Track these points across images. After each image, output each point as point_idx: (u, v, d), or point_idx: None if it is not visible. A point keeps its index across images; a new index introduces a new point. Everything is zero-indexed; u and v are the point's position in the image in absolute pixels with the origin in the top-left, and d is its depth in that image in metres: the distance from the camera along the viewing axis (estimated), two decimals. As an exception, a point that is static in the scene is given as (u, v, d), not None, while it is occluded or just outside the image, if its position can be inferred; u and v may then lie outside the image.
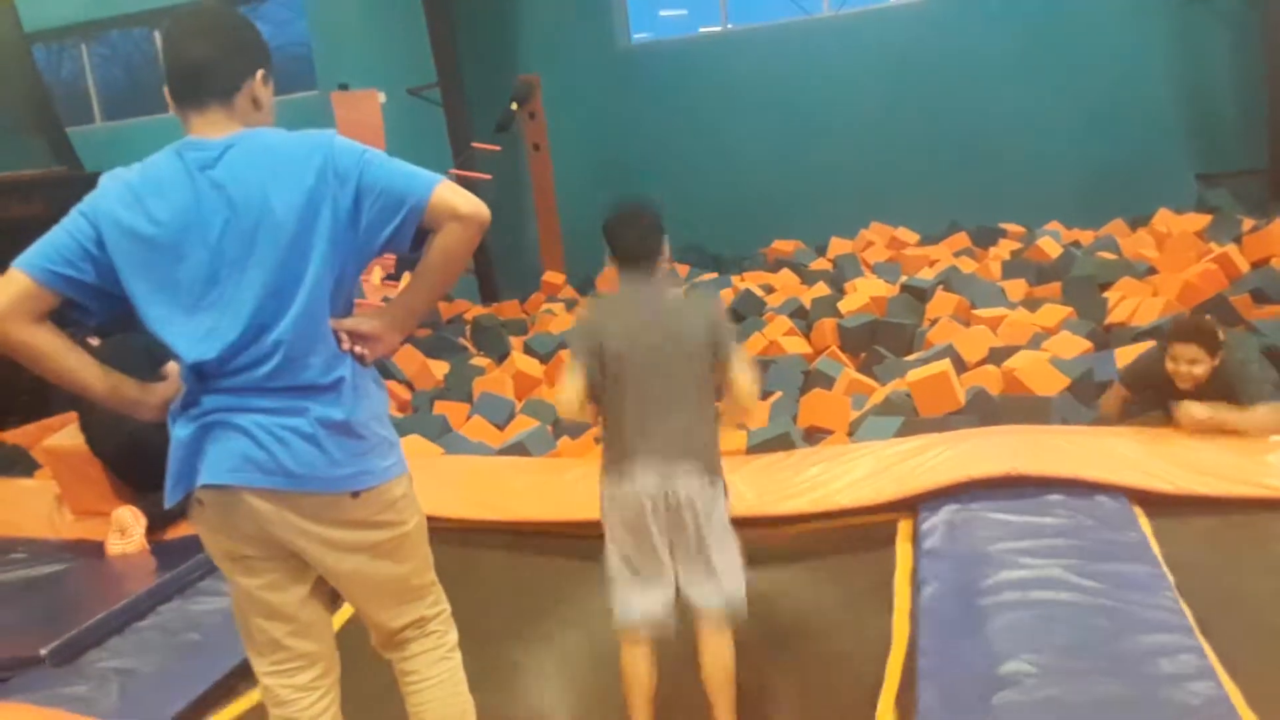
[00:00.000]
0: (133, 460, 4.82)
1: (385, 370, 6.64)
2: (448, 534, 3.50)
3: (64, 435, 5.18)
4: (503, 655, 3.34)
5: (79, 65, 11.99)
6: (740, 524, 3.91)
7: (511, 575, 3.85)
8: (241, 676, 3.21)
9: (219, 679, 3.24)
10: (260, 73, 2.02)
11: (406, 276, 8.37)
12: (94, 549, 4.49)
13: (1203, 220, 7.94)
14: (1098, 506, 3.54)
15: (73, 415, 5.23)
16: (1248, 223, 7.51)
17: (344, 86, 10.03)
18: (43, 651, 3.35)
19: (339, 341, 2.02)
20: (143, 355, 5.12)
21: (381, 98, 10.16)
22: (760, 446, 4.63)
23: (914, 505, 3.81)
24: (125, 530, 4.48)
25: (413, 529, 2.18)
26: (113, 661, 3.36)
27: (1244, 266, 6.38)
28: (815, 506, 3.94)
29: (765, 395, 5.63)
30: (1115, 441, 3.95)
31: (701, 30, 11.70)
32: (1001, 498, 3.66)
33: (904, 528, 3.77)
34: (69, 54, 12.10)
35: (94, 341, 5.24)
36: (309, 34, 11.40)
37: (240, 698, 3.21)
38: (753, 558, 3.73)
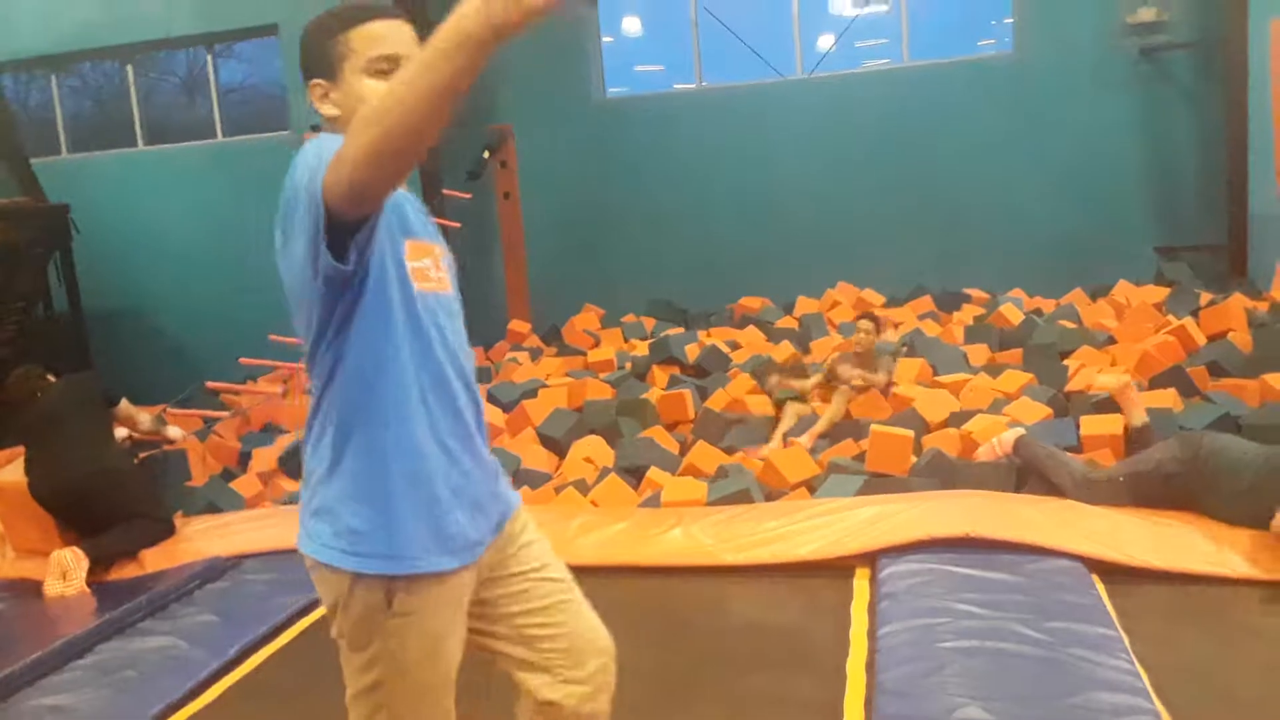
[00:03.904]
0: (69, 505, 4.70)
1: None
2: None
3: (8, 471, 5.05)
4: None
5: (48, 96, 11.87)
6: (702, 571, 3.94)
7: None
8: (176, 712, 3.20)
9: (153, 716, 3.15)
10: (312, 84, 1.89)
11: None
12: (34, 588, 4.37)
13: (1161, 293, 8.06)
14: (1055, 571, 3.57)
15: (20, 450, 5.11)
16: (1205, 297, 7.64)
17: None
18: (-27, 691, 3.27)
19: None
20: (97, 394, 5.05)
21: (354, 140, 10.14)
22: (720, 501, 4.61)
23: (873, 558, 3.86)
24: (66, 573, 4.36)
25: (339, 630, 1.78)
26: (47, 699, 3.27)
27: (1201, 339, 6.46)
28: (776, 558, 3.97)
29: (728, 453, 5.61)
30: (1075, 513, 3.97)
31: (676, 87, 11.82)
32: (960, 554, 3.70)
33: (862, 574, 3.82)
34: (38, 84, 11.99)
35: (51, 378, 5.14)
36: (283, 74, 11.39)
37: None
38: (712, 603, 3.73)
